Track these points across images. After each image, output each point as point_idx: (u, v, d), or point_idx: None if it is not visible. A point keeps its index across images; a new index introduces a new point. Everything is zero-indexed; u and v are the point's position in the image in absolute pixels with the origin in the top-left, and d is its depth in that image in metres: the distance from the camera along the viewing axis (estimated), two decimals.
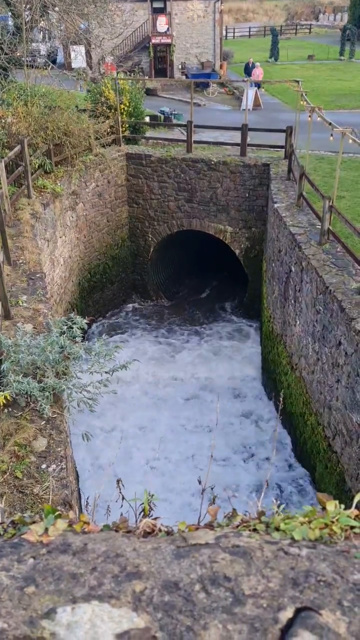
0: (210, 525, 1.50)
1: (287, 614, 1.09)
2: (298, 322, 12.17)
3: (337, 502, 1.54)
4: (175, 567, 1.22)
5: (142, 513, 2.05)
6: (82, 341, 7.58)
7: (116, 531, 1.48)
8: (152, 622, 1.08)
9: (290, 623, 1.07)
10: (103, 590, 1.16)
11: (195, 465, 12.60)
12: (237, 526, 1.49)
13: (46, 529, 1.41)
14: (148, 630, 1.06)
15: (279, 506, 1.74)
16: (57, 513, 1.53)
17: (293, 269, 12.37)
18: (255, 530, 1.44)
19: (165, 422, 14.22)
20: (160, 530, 1.48)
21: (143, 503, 2.07)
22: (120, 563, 1.24)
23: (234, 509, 1.60)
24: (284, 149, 16.49)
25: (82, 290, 17.35)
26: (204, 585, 1.16)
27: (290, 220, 12.82)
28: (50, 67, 19.12)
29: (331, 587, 1.16)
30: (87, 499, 3.26)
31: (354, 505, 1.60)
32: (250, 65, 31.68)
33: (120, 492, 2.94)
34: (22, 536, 1.38)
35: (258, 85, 30.35)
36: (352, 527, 1.43)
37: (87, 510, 3.45)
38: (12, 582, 1.20)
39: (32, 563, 1.25)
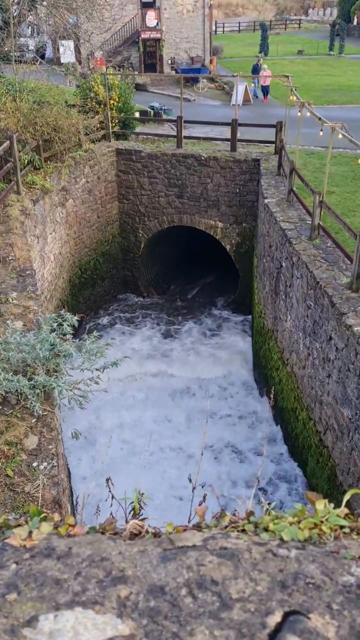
0: (198, 527, 1.48)
1: (276, 618, 1.07)
2: (289, 318, 12.17)
3: (326, 501, 1.52)
4: (162, 570, 1.20)
5: (132, 512, 2.02)
6: (72, 338, 7.53)
7: (102, 533, 1.45)
8: (137, 629, 1.05)
9: (279, 628, 1.05)
10: (87, 596, 1.13)
11: (186, 461, 12.59)
12: (226, 527, 1.46)
13: (30, 533, 1.37)
14: (133, 637, 1.03)
15: (269, 504, 1.72)
16: (42, 515, 1.50)
17: (284, 264, 12.36)
18: (243, 531, 1.42)
19: (155, 418, 14.19)
20: (147, 532, 1.46)
21: (133, 502, 2.04)
22: (105, 567, 1.21)
23: (222, 510, 1.58)
24: (274, 145, 16.48)
25: (73, 286, 17.26)
26: (190, 590, 1.14)
27: (281, 216, 12.81)
28: (39, 62, 18.94)
29: (320, 590, 1.13)
30: (77, 498, 3.23)
31: (343, 504, 1.58)
32: (259, 66, 30.83)
33: (110, 491, 2.91)
34: (5, 540, 1.35)
35: (266, 90, 28.47)
36: (341, 527, 1.41)
37: (78, 509, 3.43)
38: None
39: (14, 569, 1.22)
